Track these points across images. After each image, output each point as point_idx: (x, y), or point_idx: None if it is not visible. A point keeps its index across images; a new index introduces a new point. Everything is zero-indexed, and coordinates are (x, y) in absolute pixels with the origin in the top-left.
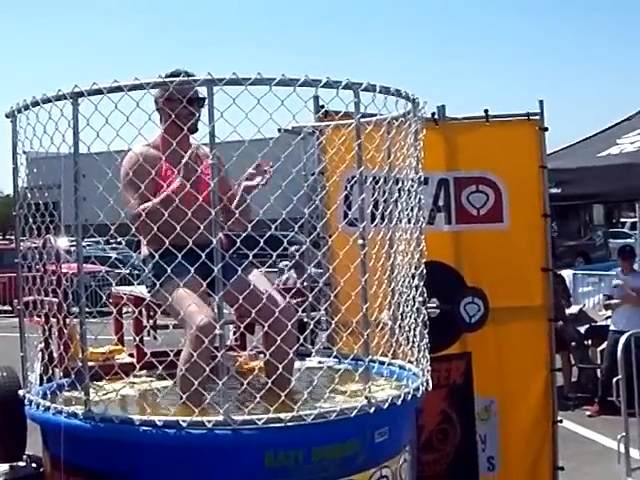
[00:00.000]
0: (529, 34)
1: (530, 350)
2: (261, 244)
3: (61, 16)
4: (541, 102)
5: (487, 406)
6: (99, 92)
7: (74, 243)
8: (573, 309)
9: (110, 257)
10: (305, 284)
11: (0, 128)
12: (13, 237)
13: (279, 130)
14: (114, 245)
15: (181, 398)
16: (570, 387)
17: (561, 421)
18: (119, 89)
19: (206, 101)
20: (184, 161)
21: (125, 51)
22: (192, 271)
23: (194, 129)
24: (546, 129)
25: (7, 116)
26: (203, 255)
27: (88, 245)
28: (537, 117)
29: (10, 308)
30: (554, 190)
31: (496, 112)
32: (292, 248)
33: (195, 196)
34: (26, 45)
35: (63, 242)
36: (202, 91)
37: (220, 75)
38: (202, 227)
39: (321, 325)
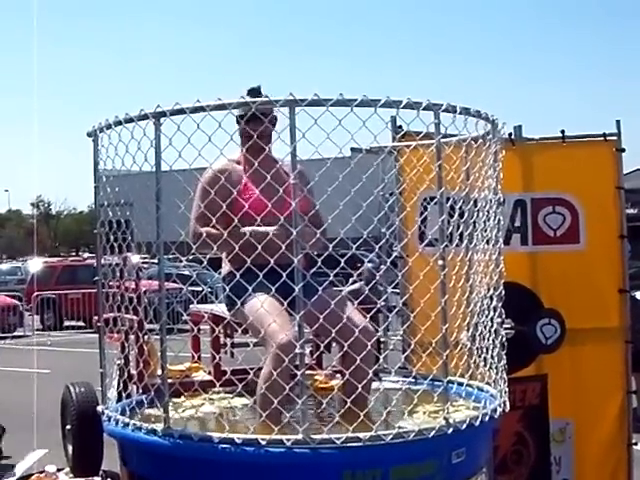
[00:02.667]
0: (606, 54)
1: (606, 372)
2: (342, 264)
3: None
4: (618, 122)
5: (562, 428)
6: (181, 112)
7: (145, 260)
8: None
9: (182, 275)
10: (383, 304)
11: (76, 150)
12: (86, 253)
13: (353, 149)
14: (187, 263)
15: (260, 416)
16: None
17: (636, 443)
18: (201, 109)
19: (269, 118)
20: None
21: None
22: (273, 290)
23: (257, 146)
24: (623, 150)
25: (89, 135)
26: (284, 275)
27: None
28: (614, 138)
29: (84, 324)
30: (630, 210)
31: (573, 132)
32: (367, 266)
33: (277, 215)
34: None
35: (135, 259)
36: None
37: (302, 96)
38: (284, 246)
39: (395, 345)
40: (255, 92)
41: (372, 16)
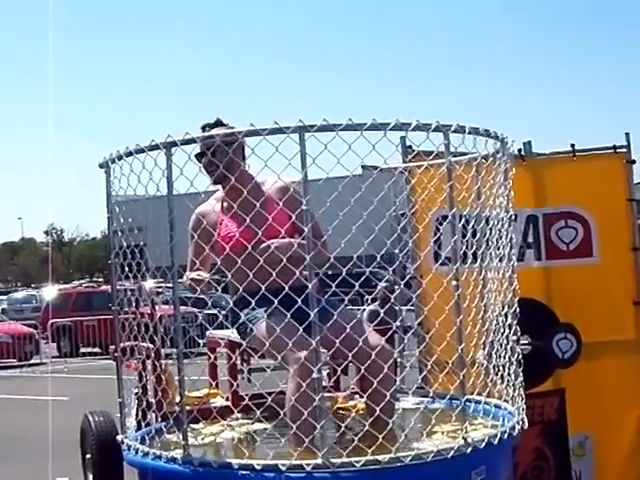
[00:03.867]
0: (614, 66)
1: (624, 384)
2: (356, 287)
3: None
4: (627, 135)
5: (582, 442)
6: (192, 141)
7: (161, 285)
8: None
9: (199, 299)
10: (398, 324)
11: (88, 175)
12: (101, 279)
13: (364, 167)
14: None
15: (291, 436)
16: None
17: None
18: (211, 138)
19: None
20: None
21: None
22: (288, 316)
23: (216, 180)
24: (633, 162)
25: (101, 166)
26: (299, 300)
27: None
28: (624, 150)
29: (100, 350)
30: None
31: (582, 146)
32: (381, 286)
33: (260, 240)
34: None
35: (150, 284)
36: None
37: (311, 122)
38: (298, 272)
39: (412, 364)
40: (211, 127)
41: (378, 33)
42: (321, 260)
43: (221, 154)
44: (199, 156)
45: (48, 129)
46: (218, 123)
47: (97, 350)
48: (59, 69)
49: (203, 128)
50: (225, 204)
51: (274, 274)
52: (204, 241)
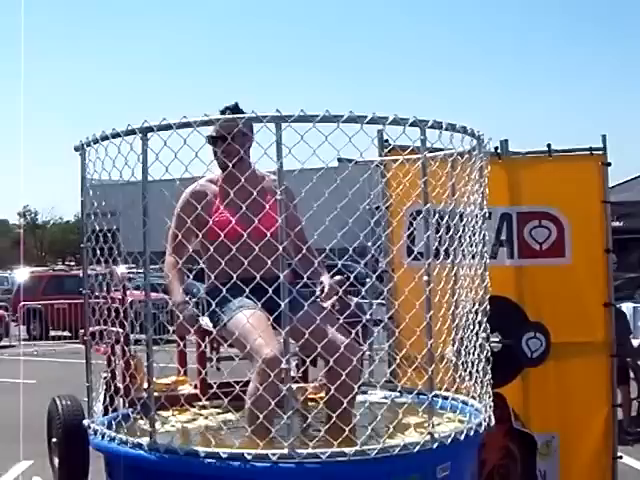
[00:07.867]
0: (593, 68)
1: (591, 386)
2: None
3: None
4: (604, 137)
5: (548, 441)
6: (168, 127)
7: (133, 270)
8: (633, 343)
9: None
10: (368, 317)
11: (63, 159)
12: (72, 263)
13: (340, 160)
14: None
15: (248, 430)
16: (630, 422)
17: (621, 457)
18: (188, 125)
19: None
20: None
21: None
22: (259, 305)
23: (223, 166)
24: (609, 164)
25: (76, 149)
26: (270, 290)
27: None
28: (600, 152)
29: (70, 334)
30: (615, 223)
31: (559, 147)
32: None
33: (255, 230)
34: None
35: (121, 269)
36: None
37: (288, 112)
38: (269, 262)
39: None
40: (230, 110)
41: (358, 31)
42: (307, 266)
43: (242, 139)
44: (215, 139)
45: (19, 109)
46: (237, 107)
47: (67, 334)
48: (35, 48)
49: (223, 111)
50: (223, 190)
51: (245, 265)
52: (194, 221)
